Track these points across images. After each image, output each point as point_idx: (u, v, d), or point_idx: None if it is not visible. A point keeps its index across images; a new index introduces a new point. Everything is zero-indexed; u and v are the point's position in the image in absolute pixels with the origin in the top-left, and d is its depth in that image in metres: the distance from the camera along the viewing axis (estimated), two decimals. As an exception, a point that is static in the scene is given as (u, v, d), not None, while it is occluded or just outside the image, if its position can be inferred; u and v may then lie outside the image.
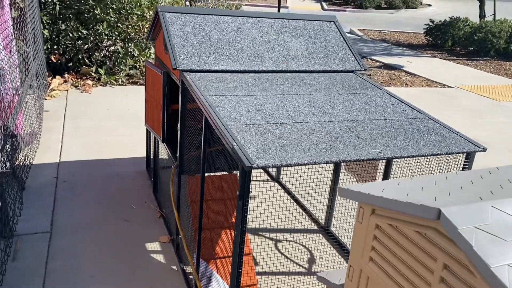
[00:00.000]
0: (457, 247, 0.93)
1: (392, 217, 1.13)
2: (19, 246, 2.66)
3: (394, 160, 2.42)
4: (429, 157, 1.99)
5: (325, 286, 1.88)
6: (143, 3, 5.87)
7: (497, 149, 5.01)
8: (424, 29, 11.83)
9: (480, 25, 10.78)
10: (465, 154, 1.89)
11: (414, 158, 2.14)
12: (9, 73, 3.67)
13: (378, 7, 20.06)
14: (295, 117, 1.95)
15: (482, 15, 11.61)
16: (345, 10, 19.20)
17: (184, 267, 2.57)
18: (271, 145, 1.68)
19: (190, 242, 2.45)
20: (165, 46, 2.57)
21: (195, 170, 2.52)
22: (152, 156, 3.46)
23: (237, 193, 1.58)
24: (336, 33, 2.83)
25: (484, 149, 1.85)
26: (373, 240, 1.20)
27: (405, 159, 2.22)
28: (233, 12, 2.71)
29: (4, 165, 2.66)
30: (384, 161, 2.50)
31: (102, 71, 5.88)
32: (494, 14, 11.60)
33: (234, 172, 2.70)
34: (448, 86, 7.76)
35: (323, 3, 20.42)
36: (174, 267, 2.59)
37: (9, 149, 2.99)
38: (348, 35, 12.92)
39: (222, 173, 2.63)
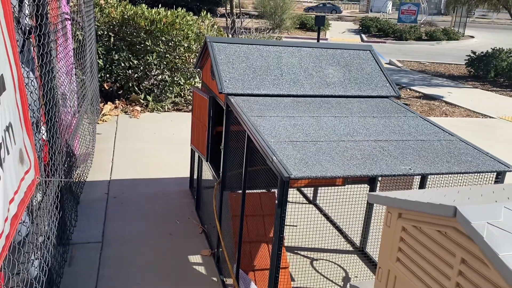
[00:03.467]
0: (473, 242, 1.04)
1: (417, 220, 1.25)
2: (74, 253, 2.90)
3: (427, 179, 2.50)
4: (461, 176, 2.08)
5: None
6: (190, 35, 6.27)
7: (540, 179, 4.90)
8: (465, 60, 11.74)
9: (524, 56, 10.61)
10: (495, 174, 1.96)
11: (448, 178, 2.23)
12: (70, 98, 4.05)
13: (419, 39, 20.05)
14: (330, 136, 2.11)
15: (526, 46, 11.41)
16: (384, 42, 19.33)
17: (224, 278, 2.71)
18: (307, 159, 1.84)
19: (231, 255, 2.60)
20: (212, 73, 2.81)
21: (236, 187, 2.70)
22: (195, 176, 3.68)
23: (276, 202, 1.74)
24: (372, 61, 2.99)
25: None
26: (399, 241, 1.32)
27: (439, 178, 2.31)
28: (274, 42, 2.93)
29: (63, 177, 2.95)
30: (418, 181, 2.58)
31: (150, 98, 6.27)
32: (539, 45, 11.37)
33: (272, 190, 2.86)
34: (490, 117, 7.65)
35: (363, 35, 20.65)
36: (215, 279, 2.74)
37: (67, 165, 3.29)
38: (387, 66, 13.01)
39: (261, 190, 2.79)
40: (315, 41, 13.41)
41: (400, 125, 2.36)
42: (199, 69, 3.45)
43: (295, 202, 3.89)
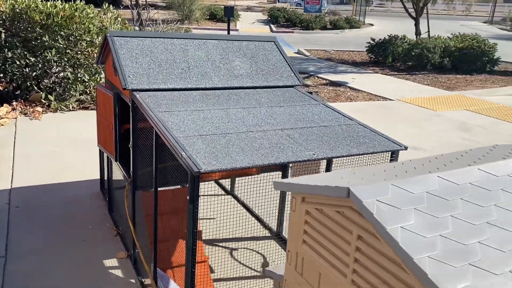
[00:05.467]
0: (365, 219, 1.13)
1: (318, 202, 1.32)
2: (-28, 272, 2.64)
3: (332, 162, 2.65)
4: (361, 157, 2.23)
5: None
6: (92, 29, 5.94)
7: (433, 152, 5.43)
8: (366, 47, 12.52)
9: (416, 42, 11.58)
10: (390, 153, 2.14)
11: (350, 160, 2.38)
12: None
13: (324, 28, 20.99)
14: (239, 128, 2.14)
15: (417, 32, 12.47)
16: (292, 32, 19.94)
17: (143, 279, 2.65)
18: (217, 152, 1.85)
19: (147, 255, 2.55)
20: (114, 69, 2.70)
21: (149, 186, 2.64)
22: (106, 177, 3.52)
23: (187, 197, 1.73)
24: (276, 52, 3.08)
25: (405, 148, 2.11)
26: (304, 224, 1.39)
27: (342, 161, 2.46)
28: (179, 35, 2.89)
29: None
30: (324, 164, 2.72)
31: (52, 98, 5.85)
32: (429, 31, 12.50)
33: (186, 186, 2.84)
34: (390, 99, 8.27)
35: (272, 26, 21.11)
36: (133, 280, 2.66)
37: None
38: (296, 55, 13.45)
39: (176, 187, 2.76)
40: (226, 32, 13.43)
41: (304, 113, 2.46)
42: (101, 65, 3.29)
43: (213, 195, 3.90)
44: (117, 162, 2.93)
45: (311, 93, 2.84)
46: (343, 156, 1.97)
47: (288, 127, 2.22)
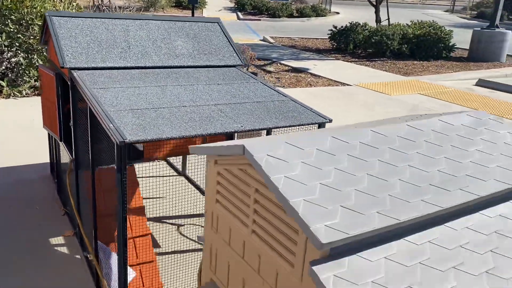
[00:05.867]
0: (258, 173, 1.24)
1: (227, 163, 1.43)
2: None
3: (268, 134, 2.77)
4: (293, 129, 2.35)
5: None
6: (44, 13, 5.83)
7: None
8: (328, 34, 12.72)
9: (376, 29, 11.85)
10: (317, 125, 2.27)
11: (280, 132, 2.49)
12: None
13: (291, 16, 21.11)
14: (173, 103, 2.22)
15: (378, 20, 12.75)
16: (259, 20, 19.96)
17: (88, 255, 2.71)
18: (145, 124, 1.93)
19: (90, 231, 2.61)
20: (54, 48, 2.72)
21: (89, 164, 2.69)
22: (55, 159, 3.54)
23: (115, 166, 1.81)
24: (220, 33, 3.15)
25: (330, 120, 2.24)
26: (217, 185, 1.50)
27: (279, 132, 2.57)
28: (121, 16, 2.92)
29: None
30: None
31: (4, 83, 5.74)
32: (388, 19, 12.79)
33: (132, 164, 2.90)
34: (348, 85, 8.49)
35: (239, 13, 21.06)
36: (78, 256, 2.72)
37: None
38: (261, 42, 13.52)
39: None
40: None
41: (241, 90, 2.56)
42: (43, 45, 3.29)
43: (165, 176, 3.97)
44: (62, 142, 2.96)
45: (255, 74, 2.94)
46: (270, 128, 2.09)
47: (222, 103, 2.31)
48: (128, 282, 2.47)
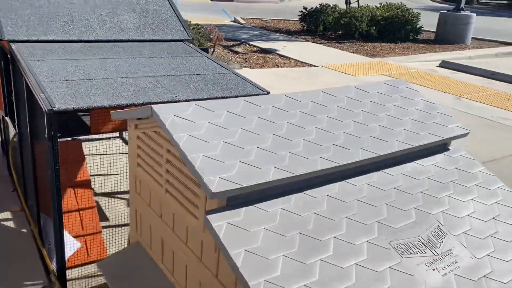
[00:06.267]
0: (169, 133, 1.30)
1: (145, 127, 1.48)
2: None
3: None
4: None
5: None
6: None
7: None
8: (299, 16, 12.73)
9: (345, 11, 11.93)
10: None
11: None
12: None
13: (264, -3, 20.94)
14: (110, 75, 2.24)
15: (347, 2, 12.83)
16: (232, 1, 19.77)
17: (33, 228, 2.73)
18: (77, 94, 1.95)
19: (33, 204, 2.62)
20: (-4, 21, 2.68)
21: (34, 138, 2.69)
22: (4, 136, 3.51)
23: (45, 135, 1.83)
24: (168, 8, 3.16)
25: (267, 92, 2.31)
26: (137, 149, 1.55)
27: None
28: (65, -11, 2.89)
29: None
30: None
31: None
32: (358, 0, 12.88)
33: (78, 138, 2.91)
34: (314, 66, 8.57)
35: (211, -6, 20.78)
36: (24, 230, 2.74)
37: None
38: (232, 23, 13.44)
39: (66, 139, 2.83)
40: None
41: (183, 63, 2.59)
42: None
43: (123, 153, 3.98)
44: (7, 117, 2.94)
45: (205, 50, 2.97)
46: (205, 99, 2.14)
47: (161, 75, 2.35)
48: (73, 252, 2.52)
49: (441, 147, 1.72)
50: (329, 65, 8.61)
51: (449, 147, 1.74)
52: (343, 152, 1.39)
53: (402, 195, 1.42)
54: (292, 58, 9.10)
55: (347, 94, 1.69)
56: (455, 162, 1.67)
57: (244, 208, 1.18)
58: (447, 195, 1.49)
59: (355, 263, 1.15)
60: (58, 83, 2.03)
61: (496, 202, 1.54)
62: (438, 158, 1.66)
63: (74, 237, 2.58)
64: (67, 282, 2.20)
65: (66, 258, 2.43)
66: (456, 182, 1.57)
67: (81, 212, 2.65)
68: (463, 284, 1.20)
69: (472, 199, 1.52)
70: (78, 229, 2.60)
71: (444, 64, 9.18)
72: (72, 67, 2.25)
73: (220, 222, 1.11)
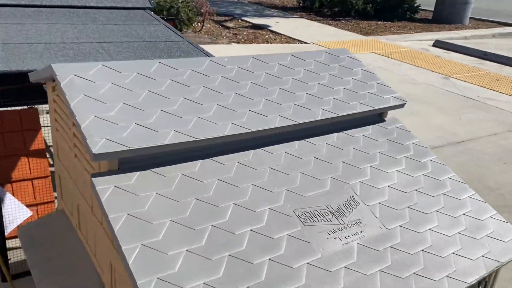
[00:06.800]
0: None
1: (57, 88, 1.43)
2: None
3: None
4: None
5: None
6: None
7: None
8: (295, -8, 12.48)
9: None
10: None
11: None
12: None
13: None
14: (53, 40, 2.17)
15: (345, -22, 12.53)
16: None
17: (-12, 196, 2.71)
18: (11, 57, 1.89)
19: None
20: None
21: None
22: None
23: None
24: (131, -25, 3.06)
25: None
26: (54, 113, 1.50)
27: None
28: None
29: None
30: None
31: None
32: (356, -22, 12.58)
33: (35, 107, 2.87)
34: (305, 43, 8.43)
35: (210, -31, 20.38)
36: (-22, 198, 2.72)
37: None
38: (226, -1, 13.19)
39: (22, 107, 2.78)
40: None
41: (137, 31, 2.52)
42: None
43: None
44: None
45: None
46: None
47: (108, 41, 2.28)
48: (23, 220, 2.51)
49: (375, 118, 1.66)
50: (320, 42, 8.47)
51: (385, 119, 1.68)
52: (258, 118, 1.34)
53: (320, 165, 1.38)
54: (283, 35, 8.95)
55: (280, 61, 1.63)
56: (388, 133, 1.62)
57: (138, 172, 1.14)
58: (370, 166, 1.45)
59: (250, 230, 1.12)
60: (-7, 46, 1.97)
61: (423, 174, 1.50)
62: (371, 129, 1.61)
63: (26, 206, 2.56)
64: (9, 252, 2.19)
65: (16, 226, 2.42)
66: (384, 153, 1.52)
67: (34, 181, 2.62)
68: (364, 253, 1.17)
69: (397, 171, 1.47)
70: (30, 198, 2.58)
71: (438, 44, 9.02)
72: (14, 31, 2.18)
73: (106, 185, 1.07)
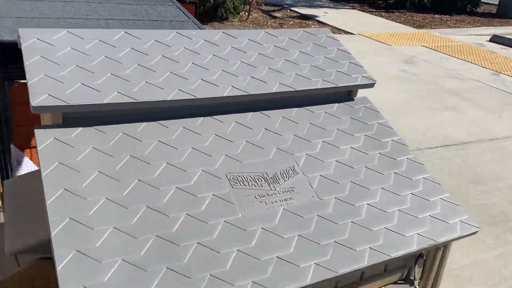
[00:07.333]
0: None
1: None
2: None
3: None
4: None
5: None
6: None
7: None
8: (349, -18, 12.20)
9: (398, -21, 11.26)
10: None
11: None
12: None
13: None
14: (63, 15, 2.35)
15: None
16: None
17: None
18: (16, 29, 2.07)
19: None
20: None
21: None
22: None
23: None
24: (154, -41, 3.19)
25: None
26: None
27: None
28: None
29: None
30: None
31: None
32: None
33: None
34: (351, 33, 8.27)
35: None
36: None
37: None
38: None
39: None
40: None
41: (148, 11, 2.64)
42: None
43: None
44: None
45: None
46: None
47: (115, 19, 2.42)
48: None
49: (345, 96, 1.65)
50: (366, 33, 8.27)
51: (353, 98, 1.67)
52: (207, 87, 1.39)
53: (269, 135, 1.41)
54: (330, 25, 8.82)
55: (249, 37, 1.66)
56: (353, 112, 1.61)
57: (81, 128, 1.24)
58: (323, 141, 1.46)
59: (176, 187, 1.18)
60: (5, 20, 2.16)
61: (379, 153, 1.48)
62: (336, 106, 1.61)
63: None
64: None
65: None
66: (342, 130, 1.52)
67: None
68: (287, 219, 1.20)
69: (351, 147, 1.47)
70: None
71: (495, 39, 8.48)
72: (31, 8, 2.38)
73: (45, 136, 1.18)
